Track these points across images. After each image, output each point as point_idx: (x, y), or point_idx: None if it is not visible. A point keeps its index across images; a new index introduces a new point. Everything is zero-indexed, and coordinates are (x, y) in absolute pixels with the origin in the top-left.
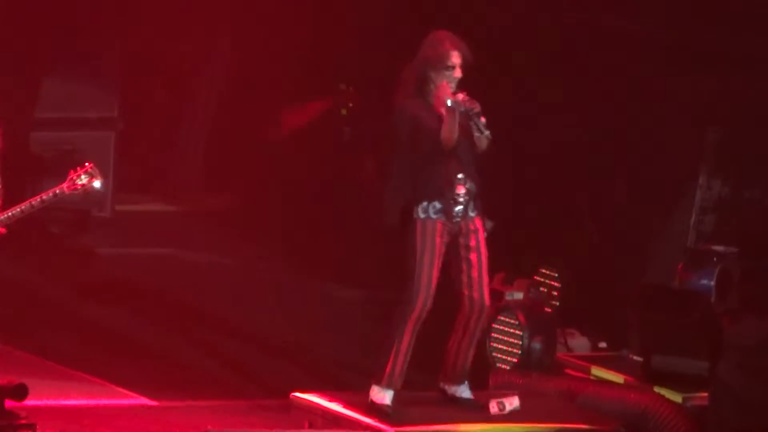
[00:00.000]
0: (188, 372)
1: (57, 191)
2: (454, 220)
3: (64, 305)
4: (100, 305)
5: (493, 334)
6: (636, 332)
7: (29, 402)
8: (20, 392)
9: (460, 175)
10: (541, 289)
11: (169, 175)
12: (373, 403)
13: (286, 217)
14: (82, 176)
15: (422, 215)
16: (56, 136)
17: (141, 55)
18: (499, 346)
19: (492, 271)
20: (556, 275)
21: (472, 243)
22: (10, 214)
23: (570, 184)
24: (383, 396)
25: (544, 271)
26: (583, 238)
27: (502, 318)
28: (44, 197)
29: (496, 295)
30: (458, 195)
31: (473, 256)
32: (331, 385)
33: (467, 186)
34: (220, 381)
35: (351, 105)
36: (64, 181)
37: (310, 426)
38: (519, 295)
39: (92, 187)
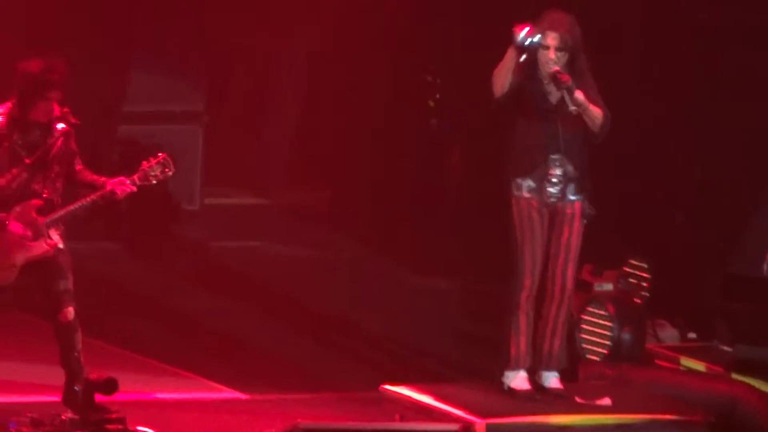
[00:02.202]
0: (278, 365)
1: (136, 180)
2: (549, 200)
3: (153, 299)
4: (189, 298)
5: (582, 326)
6: (724, 322)
7: (119, 396)
8: (110, 386)
9: (555, 156)
10: (631, 280)
11: (257, 168)
12: (512, 390)
13: (374, 209)
14: (155, 166)
15: (516, 192)
16: (143, 130)
17: (227, 48)
18: (589, 338)
19: (581, 261)
20: (645, 266)
21: (565, 228)
22: (83, 204)
23: (658, 174)
24: (517, 378)
25: (633, 262)
26: (671, 229)
27: (592, 309)
28: (106, 193)
29: (585, 286)
30: (551, 176)
31: (563, 242)
32: (422, 377)
33: (564, 168)
34: (310, 373)
35: (438, 96)
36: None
37: (401, 418)
38: (608, 287)
39: (166, 177)
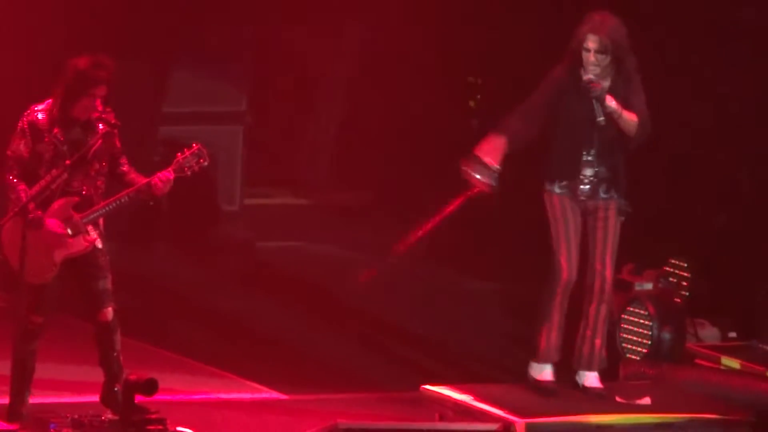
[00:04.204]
0: (318, 365)
1: (171, 176)
2: (580, 199)
3: (192, 299)
4: (229, 299)
5: (622, 325)
6: (765, 321)
7: (159, 397)
8: (150, 387)
9: (588, 157)
10: (671, 279)
11: (298, 169)
12: (536, 381)
13: (416, 209)
14: (189, 157)
15: (548, 188)
16: (184, 130)
17: (269, 48)
18: (629, 337)
19: (621, 261)
20: (686, 265)
21: (599, 226)
22: (120, 200)
23: (698, 173)
24: (543, 372)
25: (673, 261)
26: (712, 228)
27: (632, 309)
28: (141, 186)
29: (626, 285)
30: (584, 176)
31: (599, 240)
32: (462, 377)
33: (596, 168)
34: (350, 373)
35: (479, 97)
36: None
37: (441, 418)
38: (648, 286)
39: (201, 168)
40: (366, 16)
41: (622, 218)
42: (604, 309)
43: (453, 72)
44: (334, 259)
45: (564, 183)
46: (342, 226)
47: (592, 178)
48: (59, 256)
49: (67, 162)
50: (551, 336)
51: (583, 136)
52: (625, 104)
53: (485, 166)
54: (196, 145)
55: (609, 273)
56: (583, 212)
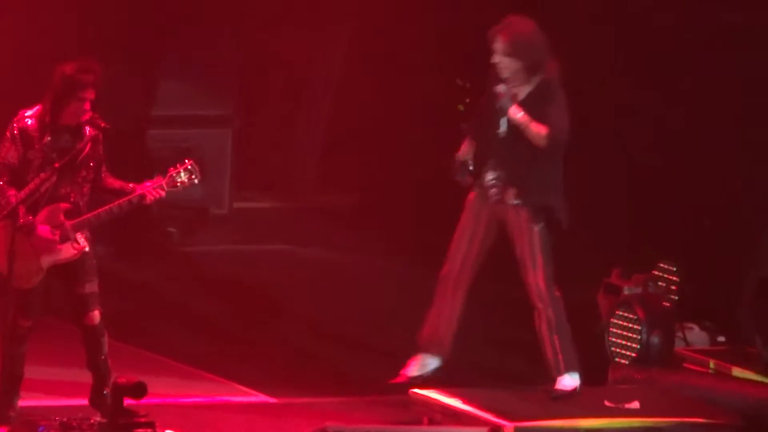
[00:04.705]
0: (307, 369)
1: (164, 185)
2: (491, 201)
3: (182, 302)
4: (218, 302)
5: (611, 329)
6: (752, 326)
7: (148, 400)
8: (139, 390)
9: (491, 161)
10: (660, 283)
11: (286, 173)
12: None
13: (403, 213)
14: (182, 173)
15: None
16: (173, 134)
17: (258, 51)
18: (618, 341)
19: (610, 265)
20: (675, 269)
21: (516, 237)
22: (111, 208)
23: (686, 177)
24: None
25: (662, 265)
26: (699, 232)
27: (621, 313)
28: (134, 197)
29: (614, 289)
30: (488, 179)
31: (524, 255)
32: (450, 381)
33: (497, 172)
34: (338, 377)
35: (468, 101)
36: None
37: (430, 422)
38: (637, 290)
39: (192, 183)
40: (353, 19)
41: (538, 225)
42: (545, 319)
43: (441, 75)
44: (320, 263)
45: (478, 182)
46: (328, 229)
47: (494, 182)
48: (47, 261)
49: (56, 165)
50: (429, 325)
51: (487, 141)
52: (539, 115)
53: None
54: (189, 161)
55: (543, 283)
56: (498, 217)
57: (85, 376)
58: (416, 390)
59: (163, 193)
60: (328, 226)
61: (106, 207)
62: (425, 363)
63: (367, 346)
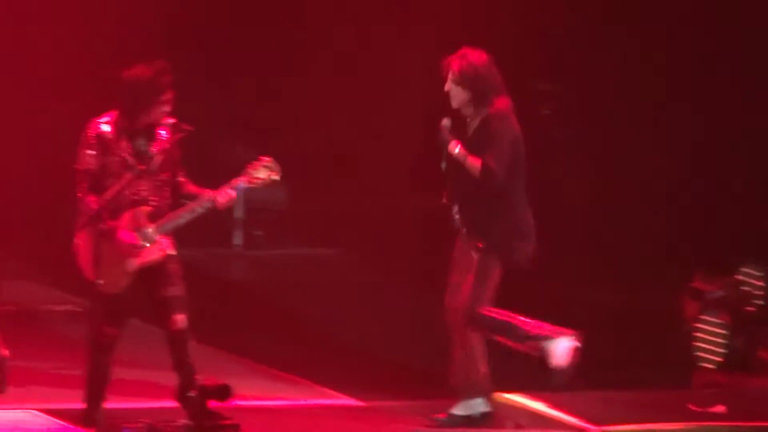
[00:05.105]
0: (395, 372)
1: (238, 185)
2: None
3: (266, 304)
4: (306, 304)
5: (696, 333)
6: None
7: (234, 403)
8: (224, 393)
9: (448, 197)
10: (744, 288)
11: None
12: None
13: None
14: (261, 169)
15: None
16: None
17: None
18: (703, 345)
19: (692, 270)
20: (760, 274)
21: (463, 263)
22: (189, 211)
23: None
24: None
25: (746, 270)
26: None
27: (706, 317)
28: (227, 191)
29: (699, 294)
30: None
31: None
32: (535, 385)
33: (453, 206)
34: (427, 381)
35: (553, 105)
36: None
37: (516, 426)
38: (721, 294)
39: (272, 180)
40: (439, 22)
41: (479, 254)
42: (459, 341)
43: (526, 80)
44: (413, 266)
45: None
46: (420, 233)
47: (455, 215)
48: (133, 265)
49: (141, 167)
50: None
51: (448, 177)
52: (480, 150)
53: None
54: (267, 157)
55: (459, 310)
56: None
57: (171, 379)
58: (501, 394)
59: (234, 195)
60: (419, 229)
61: (184, 209)
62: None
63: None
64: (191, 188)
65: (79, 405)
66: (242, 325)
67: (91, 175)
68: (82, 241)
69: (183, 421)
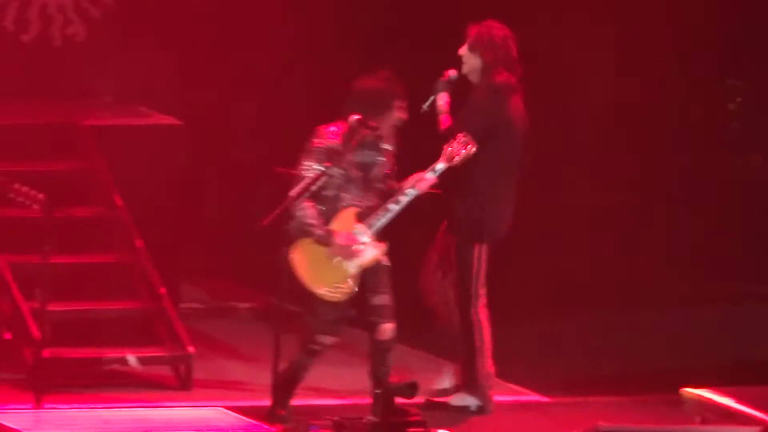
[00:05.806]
0: (580, 368)
1: (436, 167)
2: None
3: None
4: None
5: None
6: None
7: (419, 399)
8: (411, 390)
9: None
10: None
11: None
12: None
13: (663, 212)
14: (455, 145)
15: None
16: None
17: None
18: None
19: None
20: None
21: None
22: (396, 199)
23: None
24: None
25: None
26: None
27: None
28: (425, 176)
29: None
30: None
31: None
32: (724, 380)
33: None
34: (612, 376)
35: (739, 99)
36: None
37: (703, 421)
38: None
39: (469, 154)
40: (616, 18)
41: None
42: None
43: (712, 73)
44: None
45: None
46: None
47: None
48: (354, 267)
49: (362, 179)
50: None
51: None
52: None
53: None
54: (462, 134)
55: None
56: None
57: (359, 377)
58: (688, 389)
59: (434, 178)
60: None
61: (392, 199)
62: None
63: (638, 346)
64: (393, 185)
65: (265, 402)
66: (430, 320)
67: (313, 184)
68: (298, 253)
69: (369, 417)
